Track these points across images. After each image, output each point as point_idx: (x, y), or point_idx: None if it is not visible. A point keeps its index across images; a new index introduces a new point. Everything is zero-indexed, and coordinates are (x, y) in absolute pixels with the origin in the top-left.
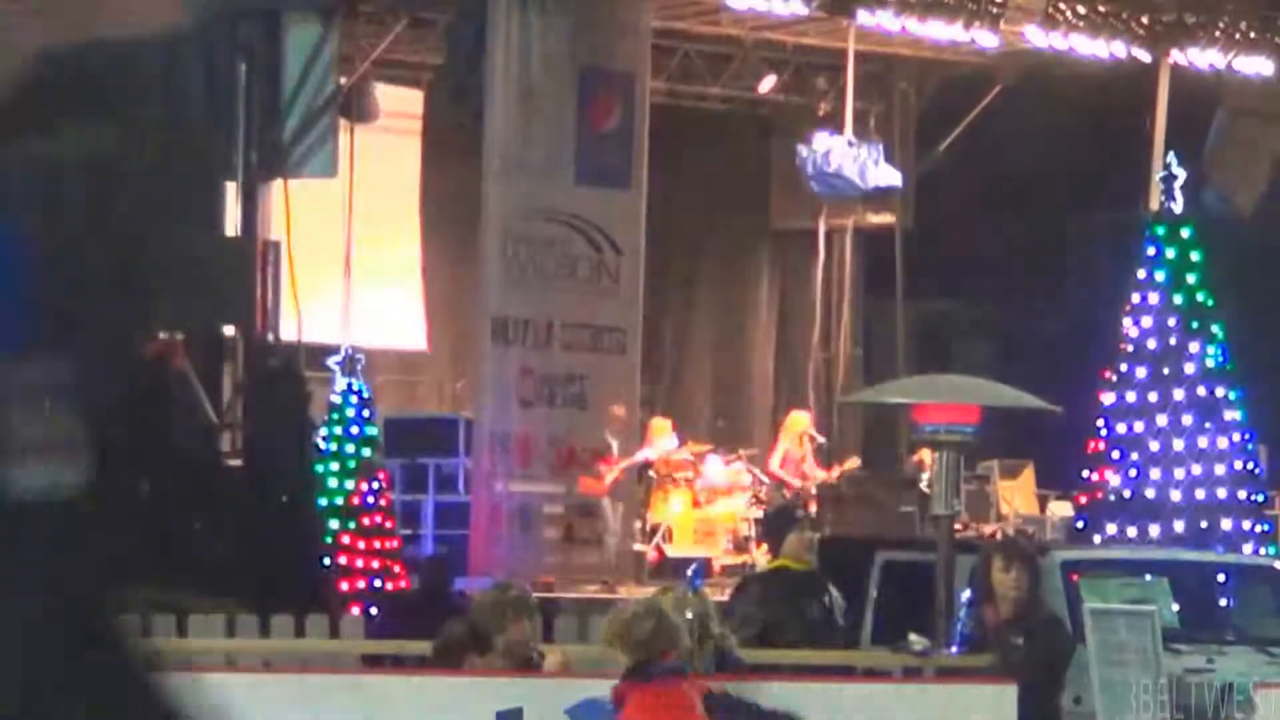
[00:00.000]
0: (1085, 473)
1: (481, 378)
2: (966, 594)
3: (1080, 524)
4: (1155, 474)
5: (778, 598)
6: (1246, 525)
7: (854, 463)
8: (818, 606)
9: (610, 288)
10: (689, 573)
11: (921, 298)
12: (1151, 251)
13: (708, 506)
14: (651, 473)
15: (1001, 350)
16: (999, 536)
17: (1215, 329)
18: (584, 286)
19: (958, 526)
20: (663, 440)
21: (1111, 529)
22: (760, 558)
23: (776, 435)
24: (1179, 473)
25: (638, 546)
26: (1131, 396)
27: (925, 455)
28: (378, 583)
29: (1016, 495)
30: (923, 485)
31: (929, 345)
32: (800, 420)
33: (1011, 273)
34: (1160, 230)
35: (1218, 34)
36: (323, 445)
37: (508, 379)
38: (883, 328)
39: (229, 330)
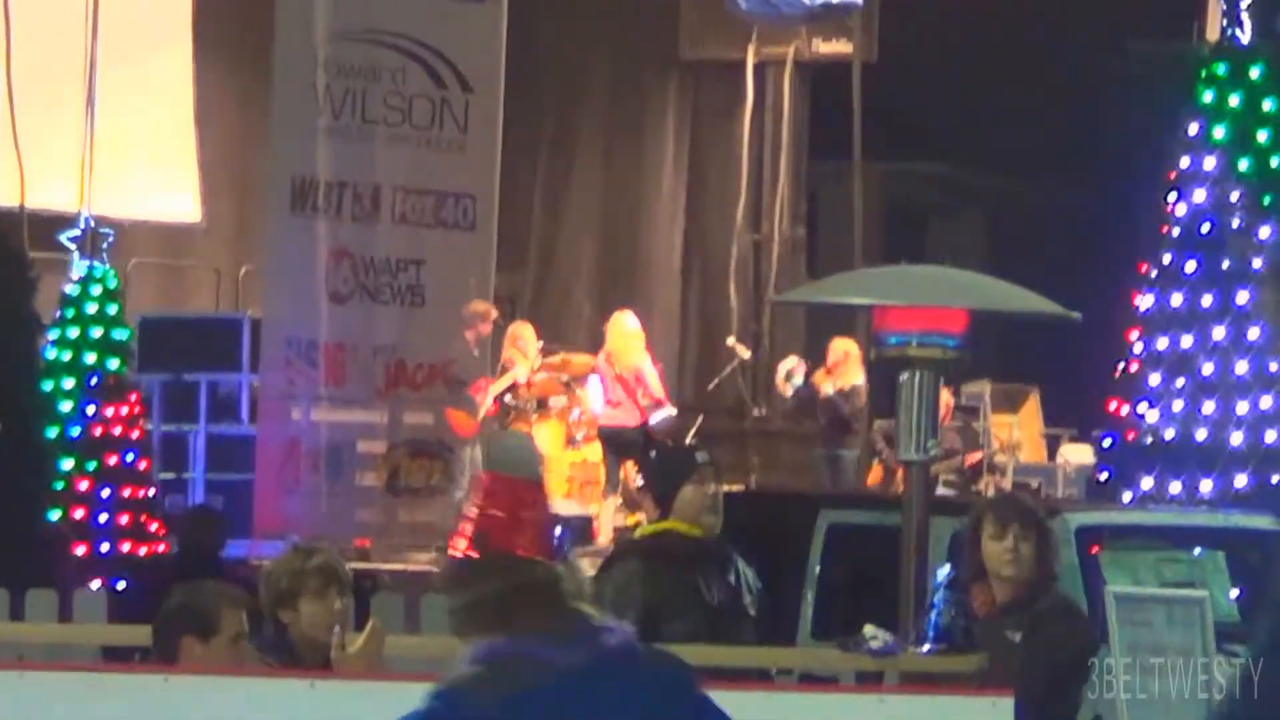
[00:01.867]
0: (1111, 405)
1: (276, 262)
2: (945, 571)
3: (1104, 475)
4: (1208, 408)
5: (661, 574)
6: None
7: (799, 375)
8: (719, 586)
9: (456, 138)
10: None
11: (887, 159)
12: (1207, 98)
13: (587, 446)
14: (509, 399)
15: (996, 233)
16: (991, 491)
17: None
18: (421, 136)
19: (939, 478)
20: (525, 352)
21: (1147, 483)
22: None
23: (694, 352)
24: (1241, 406)
25: None
26: (1177, 299)
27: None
28: (126, 546)
29: (1016, 434)
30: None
31: (898, 224)
32: (633, 326)
33: (1011, 125)
34: (1220, 69)
35: None
36: (51, 354)
37: (313, 264)
38: (834, 199)
39: None
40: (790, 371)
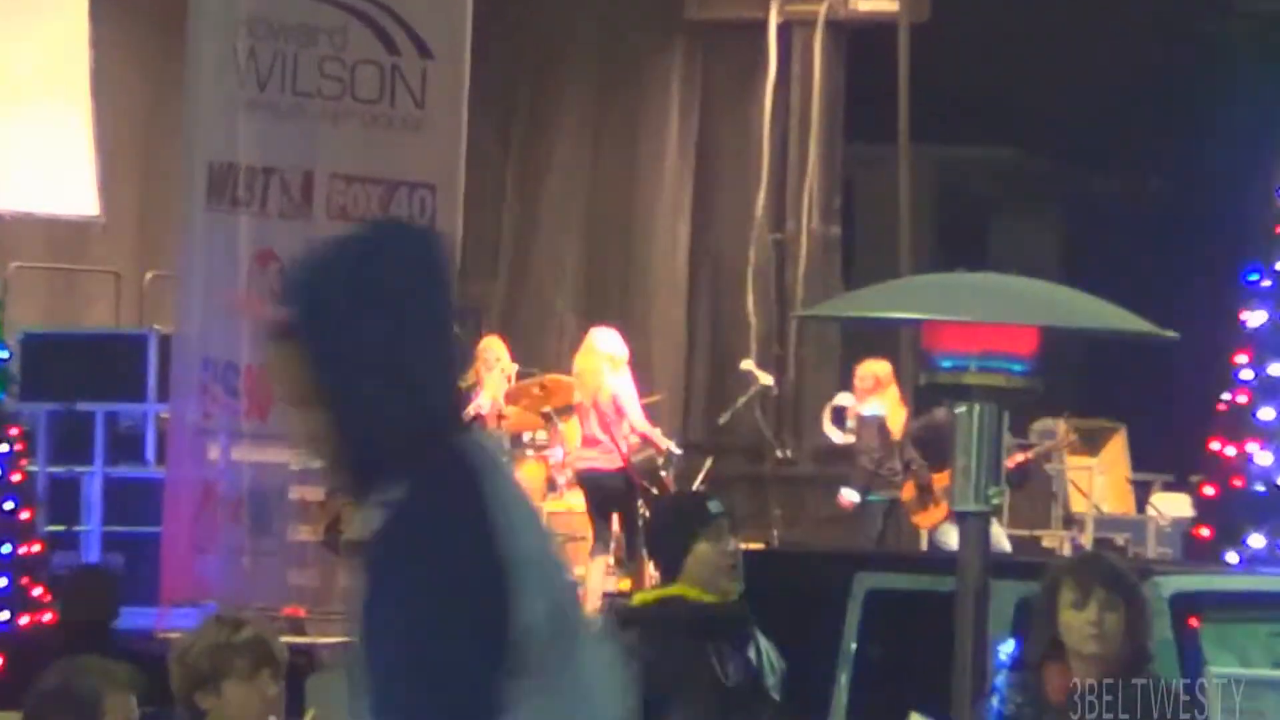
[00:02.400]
0: (1213, 445)
1: (189, 266)
2: (1009, 647)
3: (1205, 530)
4: None
5: (666, 650)
6: None
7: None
8: (737, 664)
9: (411, 115)
10: None
11: (940, 141)
12: None
13: (572, 493)
14: None
15: (1073, 233)
16: (1069, 550)
17: None
18: (366, 112)
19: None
20: (494, 377)
21: (1257, 540)
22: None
23: (700, 372)
24: None
25: None
26: None
27: (939, 411)
28: (3, 614)
29: (1098, 481)
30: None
31: (953, 222)
32: (614, 342)
33: (1092, 102)
34: None
35: None
36: None
37: (234, 269)
38: (875, 191)
39: None
40: (843, 413)
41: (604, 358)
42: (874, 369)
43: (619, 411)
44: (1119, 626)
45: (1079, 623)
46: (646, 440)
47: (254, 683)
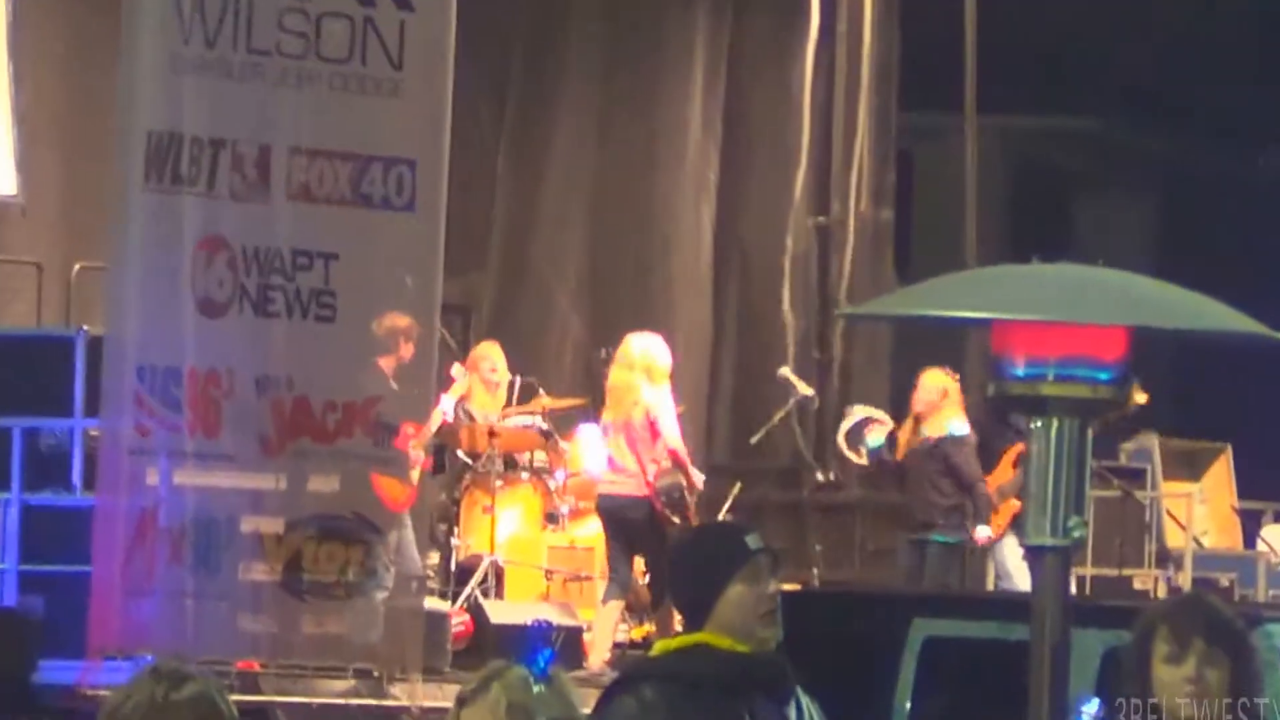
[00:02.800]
0: None
1: (123, 256)
2: (1091, 707)
3: None
4: None
5: (691, 708)
6: None
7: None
8: None
9: (387, 77)
10: (529, 648)
11: (1012, 110)
12: None
13: (575, 524)
14: (463, 455)
15: (1170, 218)
16: (1164, 593)
17: None
18: (333, 74)
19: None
20: (491, 384)
21: None
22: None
23: (728, 380)
24: None
25: (433, 604)
26: None
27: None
28: None
29: (1199, 510)
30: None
31: (1028, 204)
32: (656, 349)
33: (1192, 64)
34: None
35: None
36: None
37: (175, 259)
38: (936, 169)
39: None
40: (863, 429)
41: (640, 368)
42: (939, 381)
43: (653, 431)
44: (1222, 684)
45: (1175, 679)
46: (678, 463)
47: None
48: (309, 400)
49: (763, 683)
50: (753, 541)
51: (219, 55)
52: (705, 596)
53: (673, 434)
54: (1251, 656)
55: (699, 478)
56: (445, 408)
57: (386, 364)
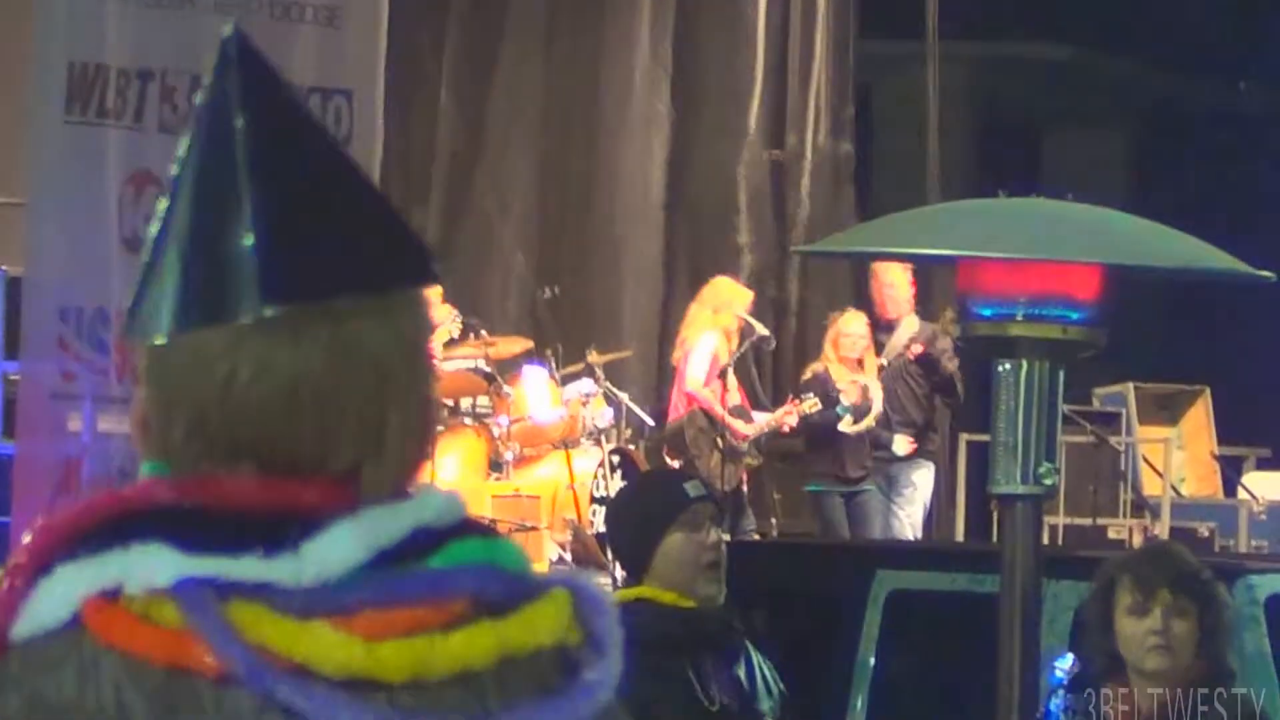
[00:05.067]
0: None
1: (43, 191)
2: (1066, 662)
3: None
4: None
5: (634, 666)
6: None
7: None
8: (723, 684)
9: (322, 6)
10: None
11: (978, 37)
12: None
13: (520, 472)
14: None
15: (1144, 151)
16: (1140, 543)
17: None
18: (270, 3)
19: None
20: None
21: None
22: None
23: (679, 320)
24: None
25: None
26: None
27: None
28: None
29: (1177, 456)
30: None
31: (995, 136)
32: (732, 292)
33: None
34: None
35: None
36: None
37: (100, 195)
38: (897, 99)
39: None
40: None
41: (708, 306)
42: (859, 326)
43: (679, 372)
44: (1190, 636)
45: (1139, 632)
46: (694, 404)
47: None
48: None
49: (708, 639)
50: (692, 489)
51: None
52: (643, 547)
53: (692, 375)
54: (1220, 608)
55: (746, 427)
56: None
57: None
